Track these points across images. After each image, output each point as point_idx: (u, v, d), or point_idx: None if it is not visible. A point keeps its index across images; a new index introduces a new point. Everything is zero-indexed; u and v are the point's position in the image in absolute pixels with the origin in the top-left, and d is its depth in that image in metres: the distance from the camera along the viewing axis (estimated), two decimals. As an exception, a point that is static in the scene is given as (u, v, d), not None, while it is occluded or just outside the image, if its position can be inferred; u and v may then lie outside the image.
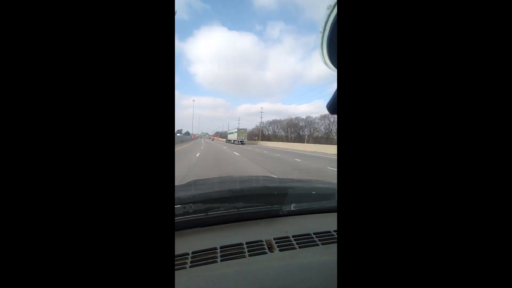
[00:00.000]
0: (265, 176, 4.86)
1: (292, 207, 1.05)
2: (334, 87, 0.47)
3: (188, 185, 1.60)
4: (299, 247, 0.73)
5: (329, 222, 0.97)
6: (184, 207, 0.93)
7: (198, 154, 13.85)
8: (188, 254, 0.70)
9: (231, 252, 0.71)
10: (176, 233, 0.86)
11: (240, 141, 38.56)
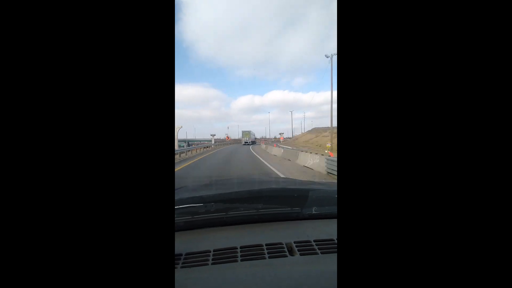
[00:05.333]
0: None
1: (314, 210, 1.03)
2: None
3: (209, 184, 1.63)
4: (321, 253, 0.71)
5: None
6: (206, 206, 0.96)
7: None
8: (210, 252, 0.72)
9: (251, 253, 0.71)
10: (198, 230, 0.90)
11: None
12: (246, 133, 36.88)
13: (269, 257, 0.69)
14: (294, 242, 0.77)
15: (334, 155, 8.37)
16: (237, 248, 0.73)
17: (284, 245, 0.75)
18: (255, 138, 45.03)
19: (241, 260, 0.67)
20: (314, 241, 0.78)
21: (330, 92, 17.16)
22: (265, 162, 10.09)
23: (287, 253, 0.71)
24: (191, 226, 0.92)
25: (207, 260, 0.67)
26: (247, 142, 33.72)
